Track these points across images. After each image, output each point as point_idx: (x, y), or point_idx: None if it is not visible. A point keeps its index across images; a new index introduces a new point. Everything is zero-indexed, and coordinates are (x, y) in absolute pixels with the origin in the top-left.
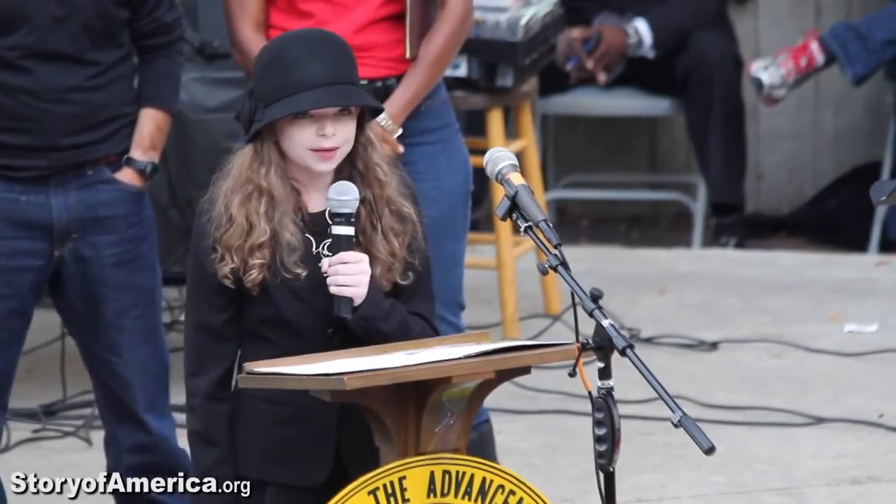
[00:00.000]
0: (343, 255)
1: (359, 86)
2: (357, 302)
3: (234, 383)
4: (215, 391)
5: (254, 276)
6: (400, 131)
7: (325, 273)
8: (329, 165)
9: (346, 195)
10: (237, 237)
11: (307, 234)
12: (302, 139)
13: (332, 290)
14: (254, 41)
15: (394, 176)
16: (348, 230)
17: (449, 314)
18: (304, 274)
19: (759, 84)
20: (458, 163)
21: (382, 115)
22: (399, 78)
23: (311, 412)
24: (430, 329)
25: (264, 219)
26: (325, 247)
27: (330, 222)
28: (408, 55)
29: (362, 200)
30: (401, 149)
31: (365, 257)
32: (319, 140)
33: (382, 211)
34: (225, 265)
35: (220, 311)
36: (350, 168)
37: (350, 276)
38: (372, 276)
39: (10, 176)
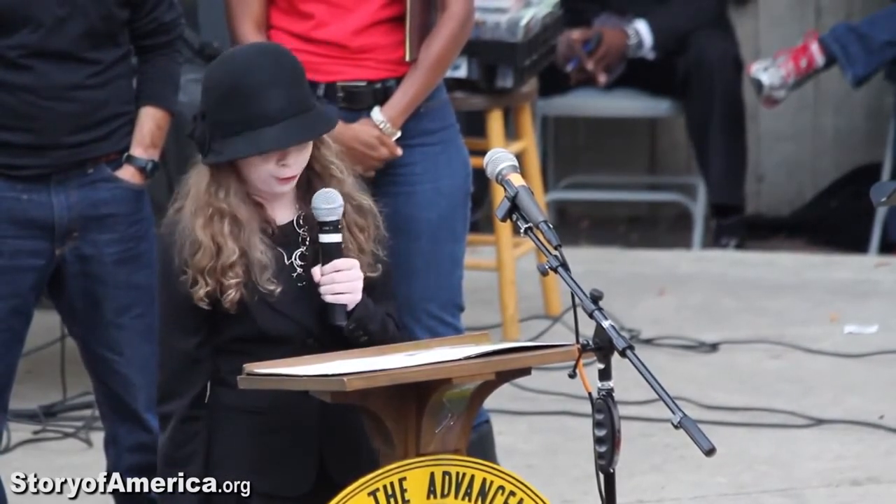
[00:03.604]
0: (337, 263)
1: (313, 103)
2: (350, 307)
3: (207, 397)
4: (189, 411)
5: (232, 295)
6: (398, 134)
7: (319, 282)
8: (289, 187)
9: (333, 203)
10: (207, 259)
11: (278, 248)
12: (263, 166)
13: (328, 298)
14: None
15: (349, 172)
16: (336, 238)
17: (448, 315)
18: (278, 290)
19: (758, 85)
20: (457, 164)
21: (381, 118)
22: (398, 80)
23: (292, 421)
24: (396, 328)
25: (231, 238)
26: (298, 257)
27: (298, 229)
28: (407, 58)
29: None
30: (399, 151)
31: (356, 263)
32: (281, 170)
33: (345, 208)
34: (199, 289)
35: (193, 335)
36: (307, 171)
37: (345, 283)
38: None
39: (12, 175)
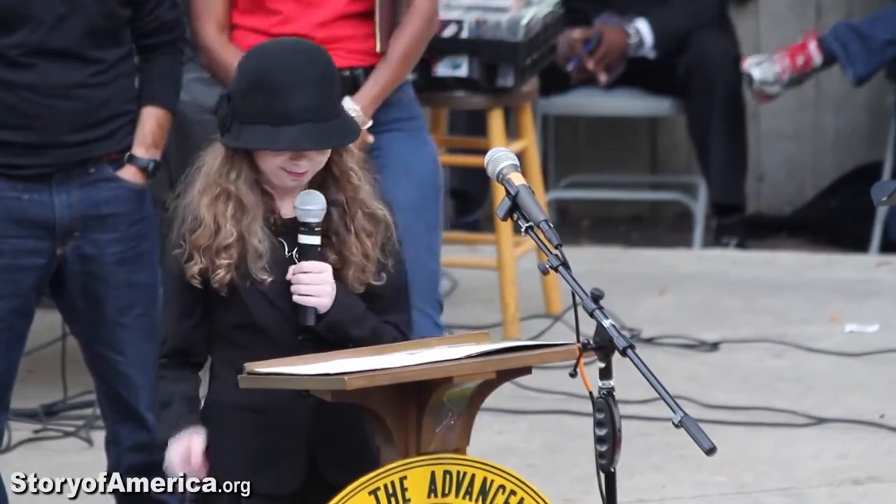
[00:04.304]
0: (303, 265)
1: (338, 112)
2: (321, 311)
3: (208, 387)
4: (170, 363)
5: (220, 275)
6: (370, 122)
7: (290, 281)
8: (298, 184)
9: (311, 205)
10: (205, 238)
11: (279, 239)
12: (275, 160)
13: (295, 298)
14: (219, 42)
15: (367, 180)
16: (313, 239)
17: (427, 306)
18: (269, 280)
19: (750, 80)
20: (425, 153)
21: (353, 106)
22: (366, 70)
23: (285, 419)
24: (402, 338)
25: (231, 221)
26: (297, 252)
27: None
28: (378, 49)
29: (334, 203)
30: (370, 139)
31: (328, 267)
32: (292, 165)
33: (356, 213)
34: (194, 265)
35: (189, 316)
36: (324, 172)
37: (311, 285)
38: (343, 281)
39: (13, 174)
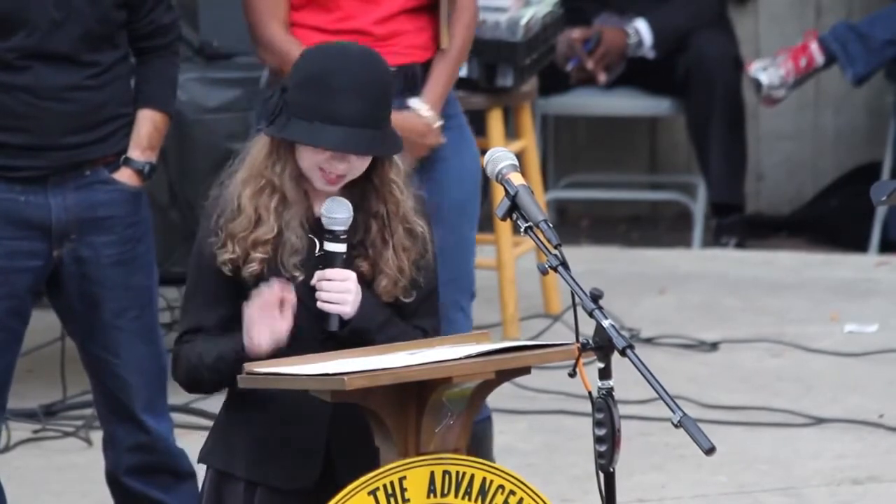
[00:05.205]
0: (327, 273)
1: (386, 124)
2: (345, 318)
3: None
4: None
5: (254, 268)
6: (441, 121)
7: (314, 286)
8: (331, 188)
9: (337, 213)
10: (242, 228)
11: (310, 235)
12: (314, 157)
13: (318, 304)
14: (287, 41)
15: (409, 194)
16: (339, 247)
17: (464, 301)
18: (301, 278)
19: (757, 85)
20: (473, 151)
21: (426, 107)
22: (423, 65)
23: (303, 414)
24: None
25: (274, 215)
26: (318, 256)
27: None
28: (443, 45)
29: (374, 215)
30: (443, 139)
31: (352, 275)
32: (330, 164)
33: (396, 228)
34: (225, 252)
35: (216, 307)
36: (365, 182)
37: (333, 293)
38: (370, 288)
39: (10, 176)
